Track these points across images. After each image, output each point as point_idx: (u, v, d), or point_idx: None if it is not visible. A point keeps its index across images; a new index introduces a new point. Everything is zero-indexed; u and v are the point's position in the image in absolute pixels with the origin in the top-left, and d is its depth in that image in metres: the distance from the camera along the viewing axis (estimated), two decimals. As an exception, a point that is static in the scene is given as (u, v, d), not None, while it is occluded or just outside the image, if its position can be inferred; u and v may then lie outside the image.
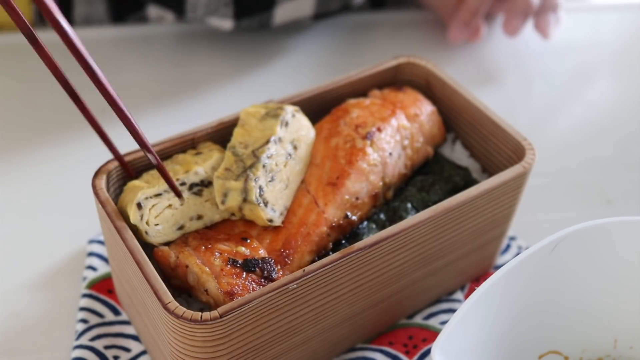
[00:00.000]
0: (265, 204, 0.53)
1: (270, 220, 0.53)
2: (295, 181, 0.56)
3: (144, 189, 0.52)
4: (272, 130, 0.55)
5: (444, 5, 0.93)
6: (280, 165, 0.55)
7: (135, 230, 0.52)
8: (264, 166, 0.53)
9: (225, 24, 0.86)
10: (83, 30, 0.92)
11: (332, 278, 0.50)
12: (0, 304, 0.63)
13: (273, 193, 0.54)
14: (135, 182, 0.53)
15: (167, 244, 0.53)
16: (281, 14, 0.87)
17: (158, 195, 0.52)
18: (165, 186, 0.53)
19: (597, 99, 0.90)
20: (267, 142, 0.54)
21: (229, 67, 0.89)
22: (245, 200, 0.53)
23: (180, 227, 0.53)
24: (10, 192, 0.73)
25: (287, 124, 0.56)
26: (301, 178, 0.57)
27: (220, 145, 0.58)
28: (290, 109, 0.57)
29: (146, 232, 0.52)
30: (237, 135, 0.56)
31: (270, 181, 0.54)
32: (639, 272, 0.54)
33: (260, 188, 0.53)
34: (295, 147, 0.56)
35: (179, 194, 0.53)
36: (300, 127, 0.57)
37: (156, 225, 0.52)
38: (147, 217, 0.52)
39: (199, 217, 0.54)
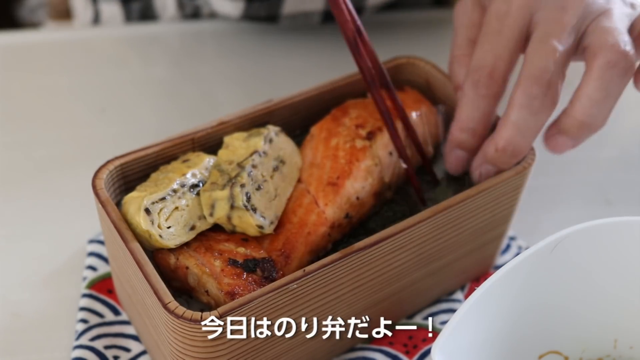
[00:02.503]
0: (254, 210, 0.53)
1: (261, 227, 0.53)
2: (285, 193, 0.56)
3: (148, 196, 0.52)
4: (257, 145, 0.55)
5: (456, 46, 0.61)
6: (267, 177, 0.55)
7: (141, 238, 0.51)
8: (249, 174, 0.53)
9: (235, 9, 0.84)
10: (83, 30, 0.92)
11: (332, 278, 0.50)
12: (0, 304, 0.63)
13: (262, 202, 0.54)
14: (133, 194, 0.52)
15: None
16: (291, 3, 0.85)
17: (163, 199, 0.52)
18: (168, 189, 0.53)
19: (597, 99, 0.90)
20: (252, 154, 0.55)
21: (228, 68, 0.89)
22: (232, 207, 0.52)
23: (192, 228, 0.53)
24: (10, 192, 0.73)
25: (271, 140, 0.56)
26: (290, 192, 0.57)
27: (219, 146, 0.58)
28: (273, 128, 0.57)
29: (160, 236, 0.51)
30: (222, 155, 0.56)
31: (257, 189, 0.54)
32: (639, 272, 0.54)
33: (247, 194, 0.53)
34: (282, 162, 0.56)
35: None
36: (285, 145, 0.58)
37: (168, 227, 0.52)
38: (157, 220, 0.51)
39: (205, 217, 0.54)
